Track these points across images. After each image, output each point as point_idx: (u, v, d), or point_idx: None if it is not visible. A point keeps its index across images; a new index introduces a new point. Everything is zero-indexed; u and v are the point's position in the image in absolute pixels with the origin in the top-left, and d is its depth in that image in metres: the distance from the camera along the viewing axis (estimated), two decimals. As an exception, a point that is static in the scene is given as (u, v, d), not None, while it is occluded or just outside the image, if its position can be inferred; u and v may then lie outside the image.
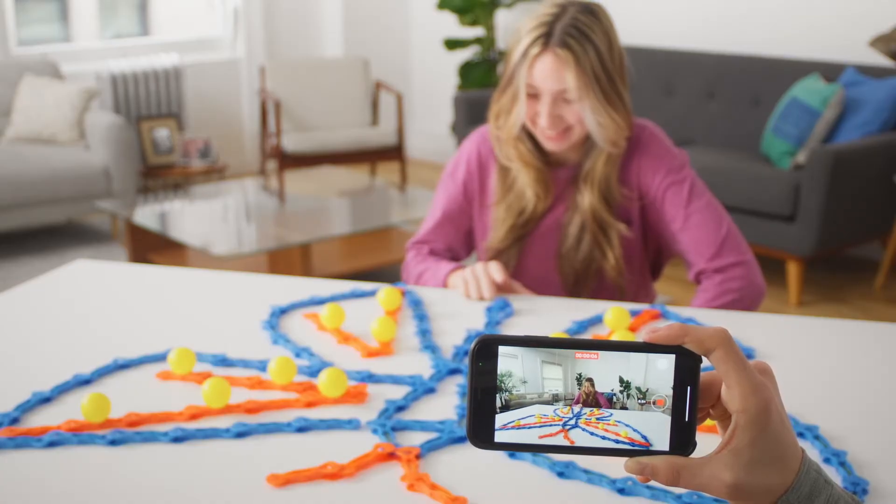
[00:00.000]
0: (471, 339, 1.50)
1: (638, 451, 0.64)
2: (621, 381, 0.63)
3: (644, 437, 0.64)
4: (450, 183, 1.91)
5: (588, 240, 1.78)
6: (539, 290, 1.81)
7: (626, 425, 0.64)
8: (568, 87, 1.68)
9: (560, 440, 0.64)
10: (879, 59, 4.32)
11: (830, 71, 4.32)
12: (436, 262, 1.83)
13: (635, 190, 1.80)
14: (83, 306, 1.64)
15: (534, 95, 1.72)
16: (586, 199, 1.77)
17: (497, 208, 1.83)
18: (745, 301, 1.73)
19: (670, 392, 0.64)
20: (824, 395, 1.32)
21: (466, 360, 1.36)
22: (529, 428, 0.64)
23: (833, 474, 1.10)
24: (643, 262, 1.88)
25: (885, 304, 4.04)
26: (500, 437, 0.64)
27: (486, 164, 1.87)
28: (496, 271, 1.68)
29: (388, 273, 4.30)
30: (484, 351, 0.64)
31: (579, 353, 0.63)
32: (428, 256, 1.87)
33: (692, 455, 0.65)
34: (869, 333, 1.56)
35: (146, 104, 5.69)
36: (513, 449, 0.65)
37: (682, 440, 0.64)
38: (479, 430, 0.64)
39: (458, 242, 1.92)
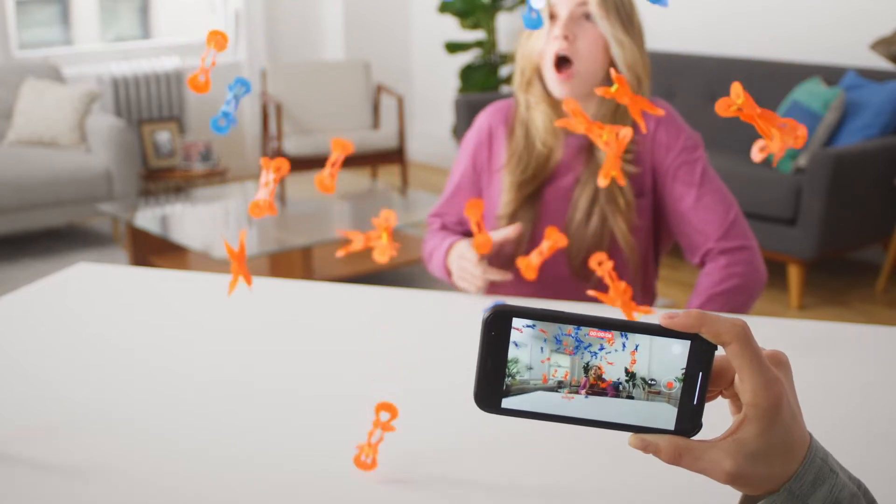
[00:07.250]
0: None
1: (643, 427, 0.65)
2: (626, 371, 0.64)
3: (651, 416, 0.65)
4: (462, 155, 1.95)
5: (598, 211, 1.78)
6: (550, 273, 1.78)
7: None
8: (589, 1, 1.74)
9: (570, 402, 0.64)
10: (880, 63, 4.32)
11: (831, 74, 4.32)
12: (441, 239, 1.87)
13: (649, 164, 1.80)
14: (84, 309, 1.64)
15: (553, 17, 1.75)
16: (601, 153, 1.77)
17: (504, 172, 1.85)
18: (748, 287, 1.75)
19: (681, 375, 0.64)
20: (825, 399, 1.32)
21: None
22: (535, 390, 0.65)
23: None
24: (648, 242, 1.86)
25: (886, 308, 4.03)
26: (506, 403, 0.65)
27: (496, 133, 1.90)
28: (472, 260, 1.72)
29: (389, 275, 4.31)
30: (498, 321, 0.64)
31: (594, 332, 0.64)
32: (438, 232, 1.91)
33: (698, 437, 0.65)
34: (870, 337, 1.56)
35: (147, 107, 5.69)
36: (520, 416, 0.65)
37: (689, 422, 0.65)
38: (487, 396, 0.65)
39: None
